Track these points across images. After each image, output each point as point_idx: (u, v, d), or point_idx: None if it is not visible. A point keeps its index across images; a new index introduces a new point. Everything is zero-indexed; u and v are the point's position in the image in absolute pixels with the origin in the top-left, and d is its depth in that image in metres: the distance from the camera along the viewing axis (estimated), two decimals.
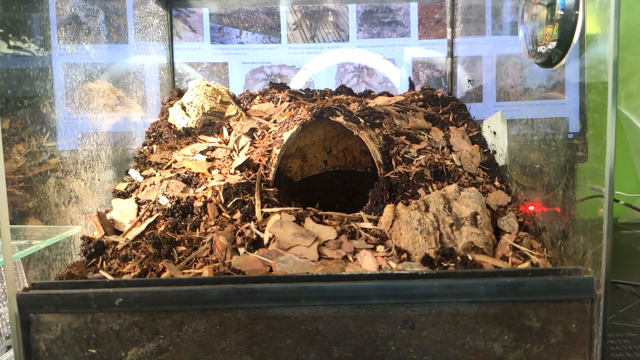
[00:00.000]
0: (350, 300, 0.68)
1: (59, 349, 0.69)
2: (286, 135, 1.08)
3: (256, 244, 0.86)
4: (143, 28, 1.40)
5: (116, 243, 0.88)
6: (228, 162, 1.10)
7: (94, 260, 0.85)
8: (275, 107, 1.32)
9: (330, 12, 1.64)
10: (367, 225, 0.91)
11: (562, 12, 0.77)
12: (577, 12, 0.76)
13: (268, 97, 1.39)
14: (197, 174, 1.05)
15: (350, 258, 0.81)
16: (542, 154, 0.94)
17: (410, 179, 1.00)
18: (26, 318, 0.69)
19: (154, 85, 1.45)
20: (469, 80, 1.51)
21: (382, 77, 1.67)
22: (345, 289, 0.68)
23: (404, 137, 1.12)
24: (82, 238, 0.88)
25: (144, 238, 0.89)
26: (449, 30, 1.57)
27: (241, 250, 0.84)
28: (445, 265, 0.78)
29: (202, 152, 1.14)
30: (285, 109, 1.26)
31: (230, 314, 0.68)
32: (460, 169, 1.05)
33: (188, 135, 1.24)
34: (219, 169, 1.08)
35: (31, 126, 1.04)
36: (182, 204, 0.95)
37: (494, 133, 1.14)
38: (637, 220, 1.71)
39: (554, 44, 0.80)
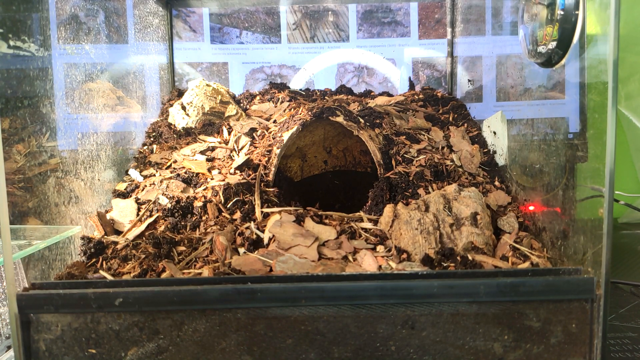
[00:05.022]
0: (350, 300, 0.68)
1: (59, 349, 0.69)
2: (286, 135, 1.08)
3: (256, 244, 0.86)
4: (143, 28, 1.40)
5: (116, 243, 0.88)
6: (228, 162, 1.10)
7: (94, 260, 0.85)
8: (275, 107, 1.32)
9: (330, 12, 1.64)
10: (367, 225, 0.91)
11: (562, 12, 0.77)
12: (577, 12, 0.76)
13: (268, 97, 1.39)
14: (197, 174, 1.05)
15: (350, 258, 0.81)
16: (542, 154, 0.94)
17: (410, 179, 1.00)
18: (26, 318, 0.69)
19: (154, 85, 1.45)
20: (469, 80, 1.51)
21: (382, 77, 1.67)
22: (345, 289, 0.68)
23: (404, 137, 1.12)
24: (82, 238, 0.88)
25: (144, 238, 0.89)
26: (449, 30, 1.57)
27: (241, 250, 0.84)
28: (445, 265, 0.78)
29: (202, 152, 1.14)
30: (285, 109, 1.26)
31: (230, 314, 0.68)
32: (460, 169, 1.05)
33: (188, 135, 1.24)
34: (219, 169, 1.08)
35: (31, 126, 1.04)
36: (182, 204, 0.95)
37: (494, 133, 1.14)
38: (637, 220, 1.71)
39: (554, 44, 0.80)
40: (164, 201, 0.98)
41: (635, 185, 1.76)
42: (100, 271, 0.81)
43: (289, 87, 1.46)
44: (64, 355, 0.69)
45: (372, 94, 1.48)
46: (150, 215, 0.95)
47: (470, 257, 0.78)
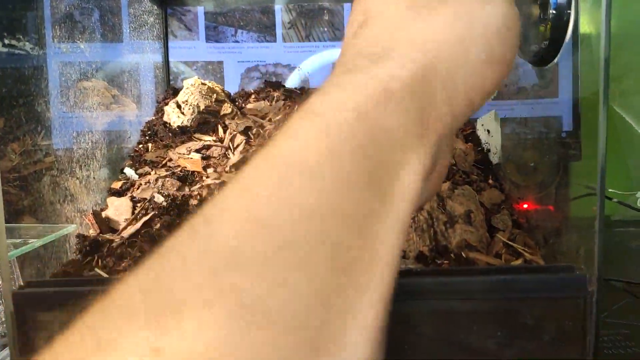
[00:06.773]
0: None
1: None
2: None
3: None
4: (138, 27, 1.40)
5: (111, 241, 0.88)
6: (223, 161, 1.10)
7: (89, 258, 0.85)
8: (271, 105, 1.32)
9: (325, 11, 1.64)
10: None
11: (554, 11, 0.78)
12: (569, 11, 0.76)
13: (263, 95, 1.39)
14: (193, 172, 1.05)
15: None
16: (536, 152, 0.95)
17: None
18: (22, 316, 0.69)
19: (148, 83, 1.45)
20: None
21: None
22: None
23: None
24: (78, 236, 0.88)
25: (139, 236, 0.89)
26: None
27: None
28: (439, 262, 0.79)
29: (198, 151, 1.14)
30: (280, 108, 1.27)
31: None
32: (454, 167, 1.06)
33: (183, 133, 1.25)
34: (214, 167, 1.08)
35: (26, 125, 1.04)
36: (178, 202, 0.95)
37: (488, 131, 1.14)
38: (631, 218, 1.72)
39: (547, 42, 0.81)
40: (160, 199, 0.98)
41: (628, 183, 1.77)
42: (96, 269, 0.81)
43: (284, 86, 1.47)
44: None
45: None
46: (146, 214, 0.95)
47: (464, 255, 0.79)
